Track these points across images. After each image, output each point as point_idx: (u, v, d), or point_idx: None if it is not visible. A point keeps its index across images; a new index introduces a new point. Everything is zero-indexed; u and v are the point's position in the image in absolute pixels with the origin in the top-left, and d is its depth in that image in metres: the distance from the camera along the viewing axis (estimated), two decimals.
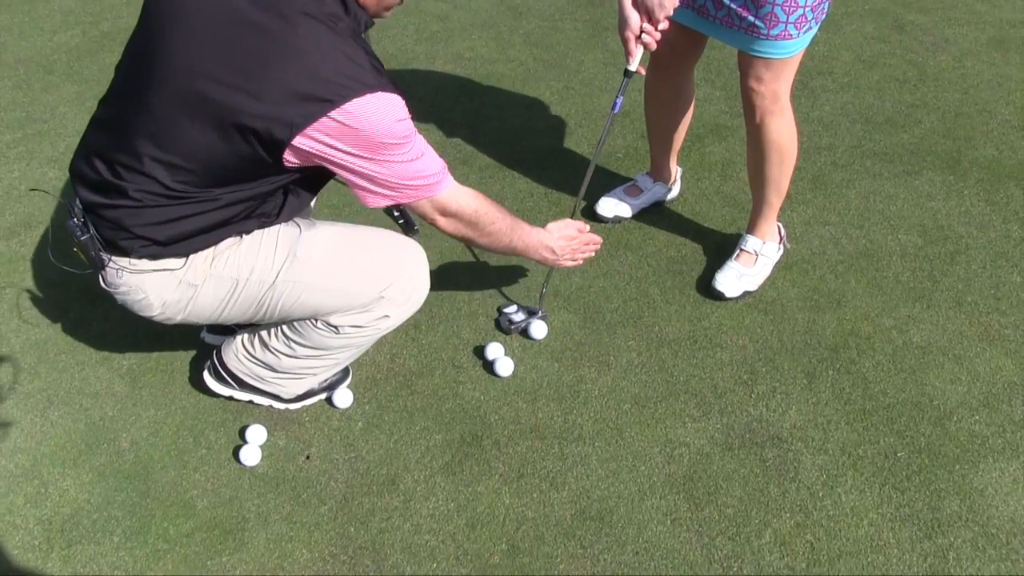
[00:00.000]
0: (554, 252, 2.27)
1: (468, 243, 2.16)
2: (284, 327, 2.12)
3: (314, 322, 2.06)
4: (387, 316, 2.08)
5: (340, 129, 1.71)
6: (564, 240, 2.30)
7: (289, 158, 1.76)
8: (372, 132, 1.73)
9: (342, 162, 1.78)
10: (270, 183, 1.87)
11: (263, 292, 1.97)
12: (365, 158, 1.77)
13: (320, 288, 1.99)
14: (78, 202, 1.92)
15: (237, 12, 1.72)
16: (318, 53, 1.70)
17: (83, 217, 1.90)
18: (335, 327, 2.06)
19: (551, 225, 2.30)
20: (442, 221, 2.00)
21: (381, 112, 1.73)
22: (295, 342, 2.12)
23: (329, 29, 1.73)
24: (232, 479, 2.17)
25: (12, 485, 2.15)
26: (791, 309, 2.61)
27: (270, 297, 1.98)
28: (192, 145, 1.76)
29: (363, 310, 2.04)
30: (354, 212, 2.89)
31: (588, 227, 2.39)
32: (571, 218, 2.40)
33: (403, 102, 1.79)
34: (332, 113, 1.69)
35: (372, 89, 1.72)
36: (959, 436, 2.24)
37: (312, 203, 2.42)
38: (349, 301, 2.02)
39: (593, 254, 2.44)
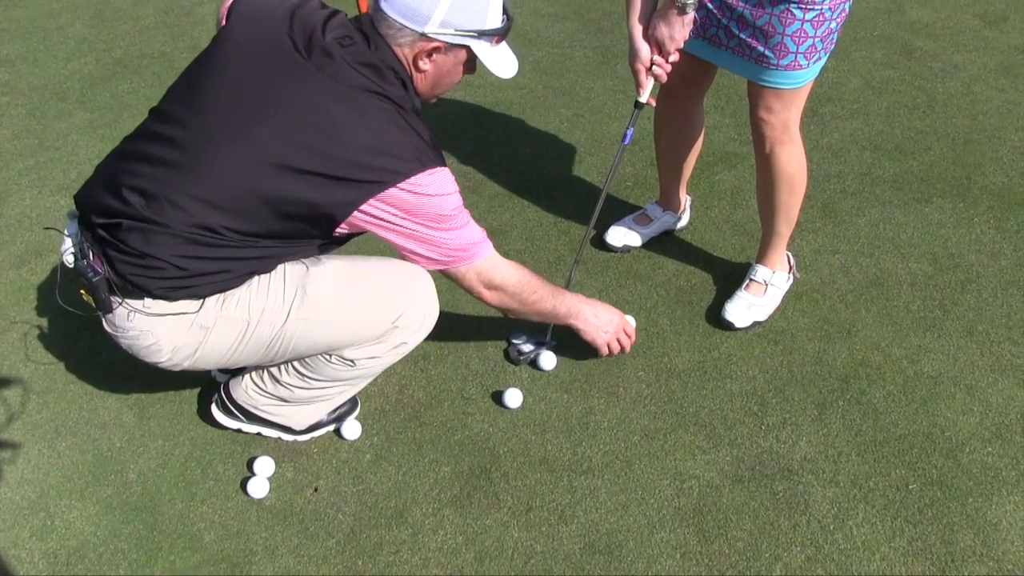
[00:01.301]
0: (597, 316, 2.30)
1: (512, 314, 2.23)
2: (296, 362, 2.12)
3: (327, 358, 2.06)
4: (404, 343, 2.10)
5: (404, 201, 1.82)
6: (606, 311, 2.34)
7: (342, 226, 1.86)
8: (433, 205, 1.85)
9: (402, 229, 1.88)
10: (309, 244, 1.95)
11: (275, 332, 1.96)
12: (424, 225, 1.88)
13: (333, 323, 2.00)
14: (88, 241, 1.90)
15: (312, 80, 1.80)
16: (387, 127, 1.82)
17: (96, 255, 1.88)
18: (351, 360, 2.06)
19: (602, 304, 2.36)
20: (488, 294, 2.08)
21: (441, 187, 1.86)
22: (308, 376, 2.12)
23: (395, 105, 1.84)
24: (240, 511, 2.16)
25: (18, 517, 2.15)
26: (801, 339, 2.60)
27: (282, 337, 1.97)
28: (246, 196, 1.80)
29: (377, 341, 2.05)
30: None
31: (634, 329, 2.41)
32: (578, 254, 2.45)
33: (454, 180, 1.92)
34: (401, 184, 1.80)
35: (434, 164, 1.84)
36: (971, 468, 2.22)
37: None
38: (363, 333, 2.03)
39: (628, 346, 2.40)
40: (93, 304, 1.93)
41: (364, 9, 2.59)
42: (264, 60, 1.84)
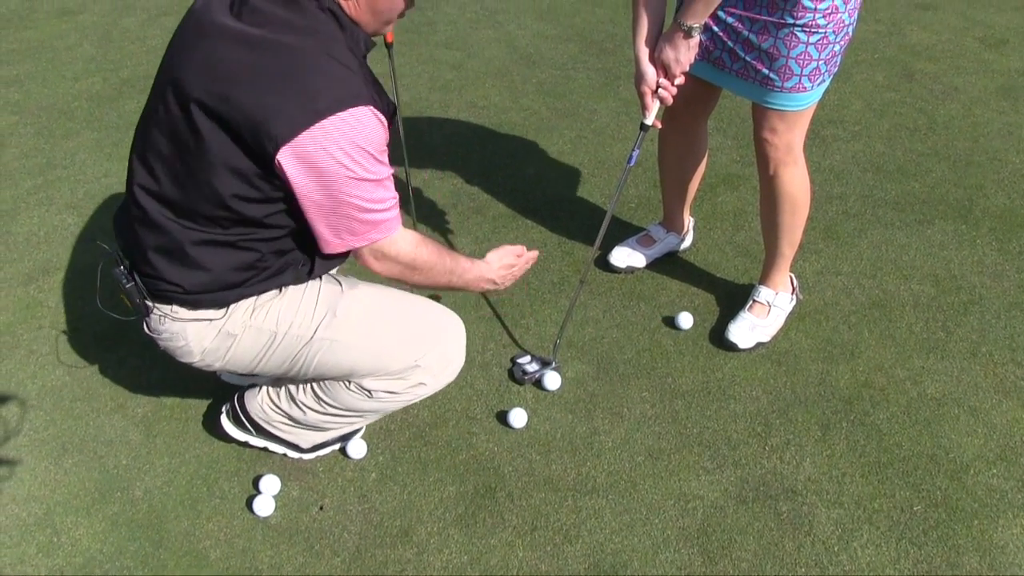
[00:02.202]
0: (495, 283, 2.19)
1: (404, 282, 2.05)
2: (314, 384, 2.13)
3: (347, 384, 2.07)
4: (423, 384, 2.08)
5: (321, 141, 1.67)
6: (504, 269, 2.20)
7: (279, 171, 1.72)
8: (351, 148, 1.70)
9: (315, 182, 1.71)
10: (280, 223, 1.85)
11: (300, 347, 1.98)
12: (338, 175, 1.72)
13: (356, 348, 2.00)
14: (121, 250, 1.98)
15: (229, 30, 1.74)
16: (304, 66, 1.70)
17: (128, 265, 1.95)
18: (368, 391, 2.06)
19: (490, 255, 2.19)
20: (376, 265, 1.92)
21: (363, 127, 1.71)
22: (324, 401, 2.13)
23: (318, 42, 1.72)
24: (245, 529, 2.16)
25: (25, 534, 2.15)
26: (804, 360, 2.61)
27: (306, 353, 1.99)
28: (194, 167, 1.77)
29: (398, 376, 2.05)
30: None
31: (523, 249, 2.27)
32: (582, 275, 2.42)
33: (384, 121, 1.77)
34: (319, 123, 1.66)
35: (357, 104, 1.70)
36: (976, 490, 2.22)
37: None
38: (384, 364, 2.03)
39: (528, 266, 2.30)
40: (130, 307, 1.99)
41: (391, 39, 2.55)
42: (190, 35, 1.81)
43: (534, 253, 2.32)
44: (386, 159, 1.81)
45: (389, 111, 1.81)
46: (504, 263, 2.21)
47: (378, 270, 1.95)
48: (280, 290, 1.98)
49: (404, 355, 2.03)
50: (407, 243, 1.94)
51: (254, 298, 1.96)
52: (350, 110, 1.69)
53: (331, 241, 1.84)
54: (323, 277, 2.05)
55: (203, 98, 1.72)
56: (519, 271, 2.28)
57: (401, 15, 1.90)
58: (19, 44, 4.61)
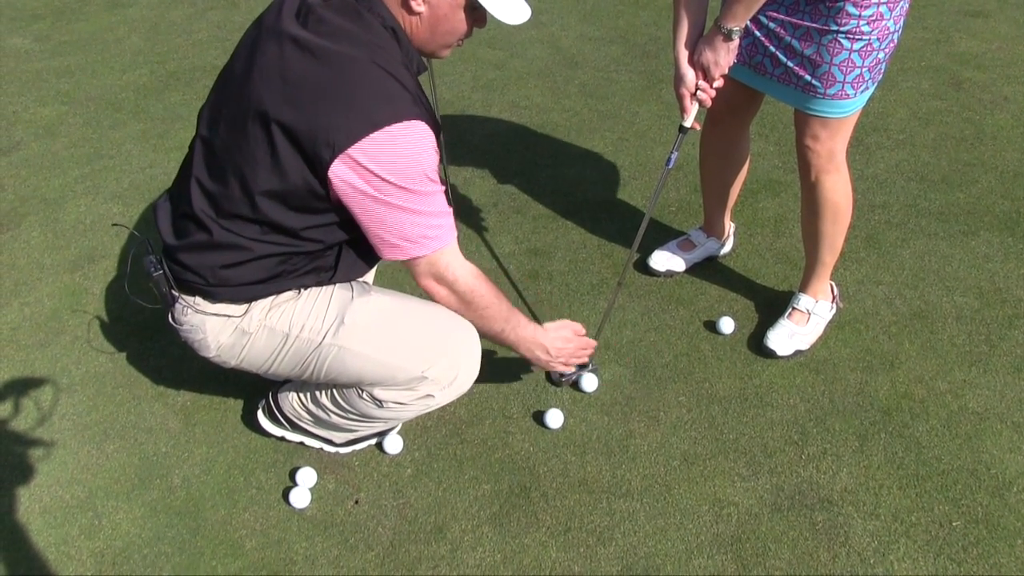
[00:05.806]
0: (548, 352, 2.19)
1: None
2: (333, 388, 2.14)
3: (360, 391, 2.07)
4: (431, 396, 2.06)
5: (374, 155, 1.74)
6: (560, 341, 2.22)
7: (333, 194, 1.80)
8: (406, 161, 1.76)
9: (370, 192, 1.77)
10: (330, 232, 1.91)
11: (310, 352, 2.00)
12: (395, 186, 1.77)
13: (361, 357, 1.99)
14: (155, 239, 2.02)
15: (296, 38, 1.78)
16: (364, 79, 1.75)
17: (159, 254, 1.99)
18: (379, 401, 2.06)
19: (548, 324, 2.23)
20: (434, 288, 1.97)
21: (417, 141, 1.77)
22: (341, 406, 2.14)
23: (377, 57, 1.77)
24: (281, 520, 2.19)
25: (68, 516, 2.20)
26: (843, 369, 2.58)
27: (316, 358, 2.00)
28: (251, 170, 1.82)
29: (405, 388, 2.03)
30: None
31: (584, 329, 2.31)
32: (620, 277, 2.42)
33: (434, 139, 1.82)
34: (374, 134, 1.72)
35: (411, 118, 1.76)
36: (1020, 508, 2.18)
37: (371, 273, 2.46)
38: (390, 374, 2.01)
39: (586, 359, 2.39)
40: (156, 296, 2.03)
41: None
42: (263, 38, 1.85)
43: (591, 341, 2.34)
44: (437, 176, 1.86)
45: (437, 129, 1.86)
46: (561, 335, 2.23)
47: (437, 296, 1.99)
48: (299, 292, 2.00)
49: (410, 366, 2.01)
50: (466, 271, 1.98)
51: (272, 297, 1.98)
52: (405, 123, 1.75)
53: (385, 249, 1.89)
54: (339, 283, 2.06)
55: (269, 103, 1.77)
56: (575, 352, 2.27)
57: (462, 40, 1.93)
58: (71, 36, 4.70)
